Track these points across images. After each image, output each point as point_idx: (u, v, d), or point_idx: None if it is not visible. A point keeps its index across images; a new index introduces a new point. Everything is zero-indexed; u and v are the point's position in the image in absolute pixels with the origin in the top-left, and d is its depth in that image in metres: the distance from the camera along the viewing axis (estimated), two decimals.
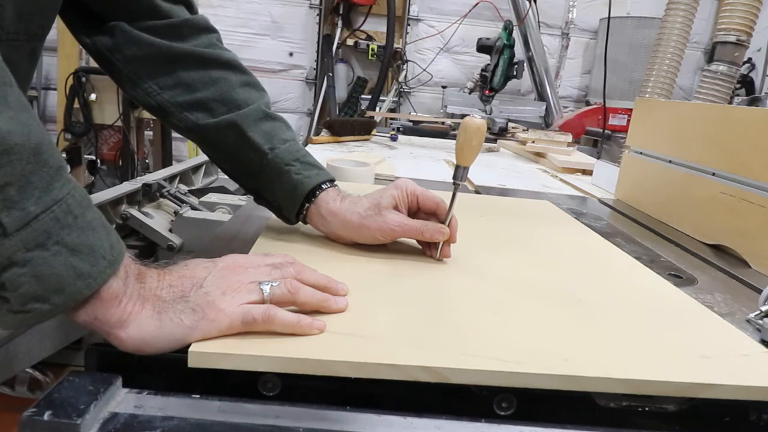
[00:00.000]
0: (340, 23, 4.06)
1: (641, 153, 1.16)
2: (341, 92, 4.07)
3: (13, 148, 0.35)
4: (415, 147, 2.00)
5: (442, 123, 2.50)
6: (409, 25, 4.17)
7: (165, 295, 0.42)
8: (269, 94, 0.72)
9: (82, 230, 0.39)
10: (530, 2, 3.18)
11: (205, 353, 0.40)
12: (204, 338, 0.42)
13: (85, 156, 3.58)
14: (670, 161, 1.05)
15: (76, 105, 3.45)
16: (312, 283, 0.49)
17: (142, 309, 0.41)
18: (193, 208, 1.43)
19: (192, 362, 0.40)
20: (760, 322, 0.58)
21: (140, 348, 0.41)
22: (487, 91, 2.74)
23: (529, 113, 2.94)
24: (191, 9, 0.70)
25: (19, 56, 0.53)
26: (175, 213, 1.41)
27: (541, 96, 3.35)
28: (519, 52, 2.99)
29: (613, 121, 3.30)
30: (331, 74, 3.98)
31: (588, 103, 4.02)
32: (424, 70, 4.14)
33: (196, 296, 0.43)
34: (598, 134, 2.97)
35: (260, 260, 0.49)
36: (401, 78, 4.11)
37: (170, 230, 1.38)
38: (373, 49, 4.00)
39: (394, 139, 2.08)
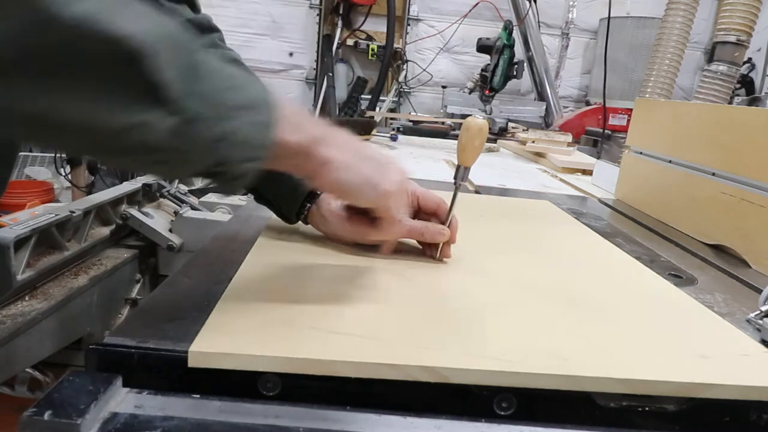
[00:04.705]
0: (340, 23, 4.05)
1: (641, 153, 1.16)
2: (341, 92, 4.07)
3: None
4: (415, 147, 2.00)
5: (442, 123, 2.50)
6: (409, 25, 4.17)
7: (357, 146, 0.50)
8: None
9: (244, 88, 0.40)
10: (530, 2, 3.18)
11: (205, 353, 0.40)
12: (376, 198, 0.52)
13: None
14: (670, 161, 1.05)
15: None
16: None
17: (343, 150, 0.47)
18: (193, 208, 1.42)
19: (192, 362, 0.40)
20: (760, 322, 0.58)
21: (335, 190, 0.50)
22: (487, 91, 2.74)
23: (529, 113, 2.95)
24: (194, 8, 0.70)
25: None
26: (175, 213, 1.41)
27: (541, 96, 3.35)
28: (519, 52, 3.00)
29: (613, 121, 3.30)
30: (331, 74, 3.98)
31: (588, 103, 4.02)
32: (424, 70, 4.14)
33: (379, 160, 0.51)
34: (598, 134, 2.98)
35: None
36: (401, 78, 4.10)
37: (170, 230, 1.38)
38: (373, 49, 4.00)
39: (394, 139, 2.08)
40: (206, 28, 0.69)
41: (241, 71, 0.42)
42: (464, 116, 2.38)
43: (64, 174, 2.45)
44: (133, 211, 1.34)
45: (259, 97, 0.41)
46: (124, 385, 0.39)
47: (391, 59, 3.94)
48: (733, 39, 1.92)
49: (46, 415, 0.33)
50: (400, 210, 0.53)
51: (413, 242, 0.68)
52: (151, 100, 0.33)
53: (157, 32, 0.33)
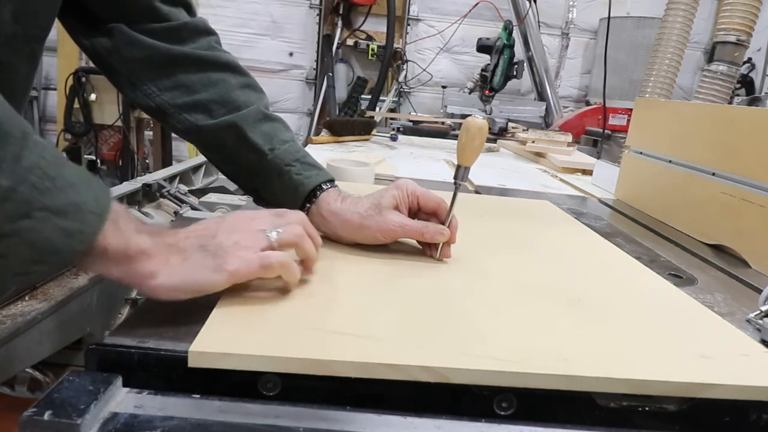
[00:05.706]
0: (340, 23, 4.06)
1: (641, 153, 1.16)
2: (341, 92, 4.07)
3: None
4: (415, 147, 2.00)
5: (442, 123, 2.50)
6: (409, 25, 4.17)
7: (185, 245, 0.46)
8: (269, 94, 0.72)
9: (62, 191, 0.38)
10: (530, 2, 3.18)
11: (205, 353, 0.40)
12: (227, 283, 0.46)
13: (85, 156, 3.58)
14: (670, 161, 1.05)
15: (76, 105, 3.45)
16: (312, 235, 0.54)
17: (168, 259, 0.44)
18: (193, 208, 1.42)
19: (192, 362, 0.40)
20: (760, 322, 0.58)
21: (171, 295, 0.44)
22: (487, 91, 2.74)
23: (529, 113, 2.94)
24: (190, 11, 0.70)
25: (17, 57, 0.53)
26: (175, 213, 1.40)
27: (541, 96, 3.35)
28: (519, 52, 2.99)
29: (613, 121, 3.30)
30: (331, 74, 3.98)
31: (588, 103, 4.02)
32: (424, 70, 4.14)
33: (213, 245, 0.47)
34: (598, 134, 2.98)
35: (265, 212, 0.53)
36: (401, 78, 4.11)
37: None
38: (373, 49, 4.00)
39: (394, 139, 2.08)
40: (202, 31, 0.69)
41: (77, 171, 0.41)
42: (464, 116, 2.38)
43: None
44: (133, 211, 1.35)
45: (80, 203, 0.39)
46: (124, 385, 0.39)
47: (391, 59, 3.94)
48: (733, 39, 1.93)
49: (46, 415, 0.33)
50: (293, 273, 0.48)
51: (413, 242, 0.68)
52: None
53: None
